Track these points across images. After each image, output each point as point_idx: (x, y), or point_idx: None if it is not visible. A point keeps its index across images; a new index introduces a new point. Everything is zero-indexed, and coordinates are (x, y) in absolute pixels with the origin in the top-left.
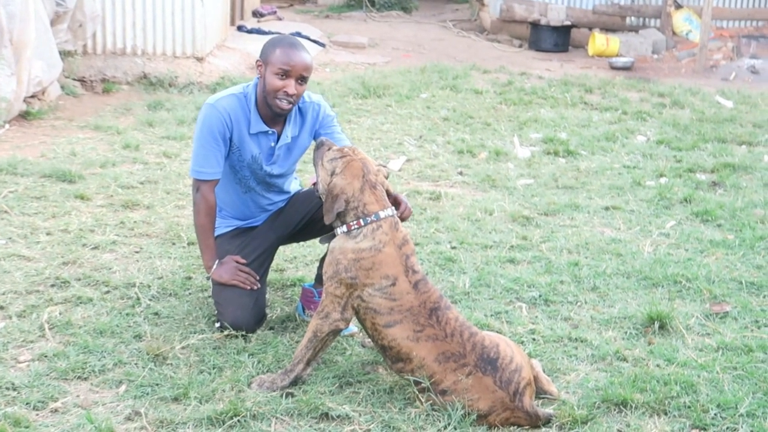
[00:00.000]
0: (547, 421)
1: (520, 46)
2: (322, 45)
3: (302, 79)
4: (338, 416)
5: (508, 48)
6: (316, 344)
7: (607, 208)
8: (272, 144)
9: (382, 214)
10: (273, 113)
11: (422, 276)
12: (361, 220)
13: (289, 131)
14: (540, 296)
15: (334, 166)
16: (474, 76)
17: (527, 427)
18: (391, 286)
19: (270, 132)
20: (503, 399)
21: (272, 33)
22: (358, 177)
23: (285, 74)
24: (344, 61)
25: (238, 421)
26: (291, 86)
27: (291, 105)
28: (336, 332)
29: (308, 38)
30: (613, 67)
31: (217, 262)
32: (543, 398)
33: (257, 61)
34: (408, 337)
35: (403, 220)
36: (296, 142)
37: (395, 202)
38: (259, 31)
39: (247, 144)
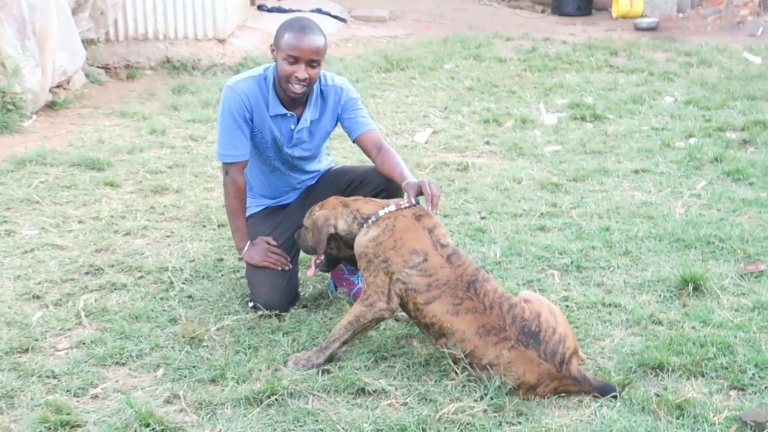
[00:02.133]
0: (608, 392)
1: (543, 11)
2: (343, 20)
3: (313, 62)
4: (375, 391)
5: (530, 14)
6: (357, 328)
7: (636, 172)
8: (292, 127)
9: (381, 213)
10: (289, 97)
11: (453, 249)
12: (363, 225)
13: (308, 115)
14: (572, 263)
15: (311, 210)
16: (497, 44)
17: (578, 392)
18: (423, 261)
19: (289, 115)
20: (549, 370)
21: (293, 11)
22: (335, 205)
23: (294, 59)
24: (366, 36)
25: (276, 399)
26: (301, 71)
27: (305, 89)
28: (380, 320)
29: (329, 14)
30: (638, 28)
31: (248, 243)
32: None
33: (271, 45)
34: (447, 311)
35: (433, 207)
36: (318, 126)
37: (420, 193)
38: (279, 10)
39: (267, 126)
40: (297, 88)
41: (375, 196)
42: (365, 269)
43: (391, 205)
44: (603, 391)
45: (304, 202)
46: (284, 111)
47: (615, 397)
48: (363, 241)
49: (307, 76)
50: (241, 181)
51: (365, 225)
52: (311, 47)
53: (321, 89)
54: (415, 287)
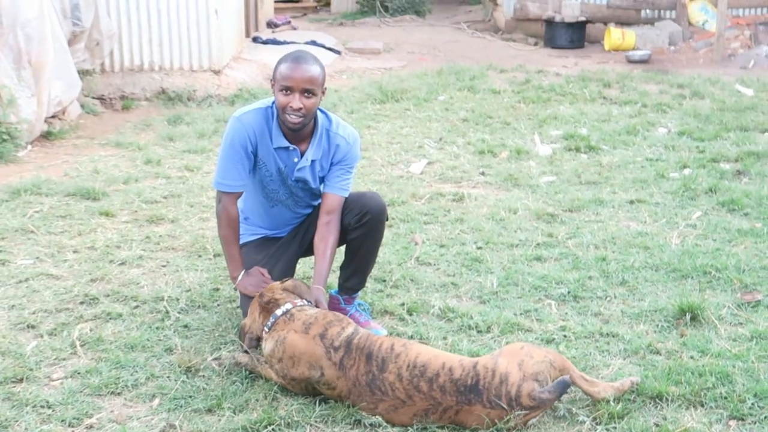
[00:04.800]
0: (565, 388)
1: (536, 44)
2: (338, 52)
3: (308, 92)
4: (371, 424)
5: (523, 47)
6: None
7: (631, 202)
8: (295, 160)
9: (271, 320)
10: (289, 129)
11: (345, 348)
12: (264, 330)
13: (310, 154)
14: (569, 293)
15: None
16: (491, 76)
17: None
18: (321, 376)
19: (291, 148)
20: (501, 414)
21: (287, 43)
22: (256, 309)
23: (288, 89)
24: (360, 67)
25: (273, 429)
26: (295, 101)
27: (302, 119)
28: None
29: (323, 46)
30: (631, 61)
31: (243, 272)
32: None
33: (270, 79)
34: (374, 412)
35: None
36: (318, 166)
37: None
38: (274, 42)
39: (271, 157)
40: (293, 119)
41: (359, 220)
42: (282, 377)
43: (287, 303)
44: (561, 392)
45: (297, 235)
46: (287, 144)
47: (566, 384)
48: (266, 353)
49: (301, 105)
50: (233, 211)
51: (265, 330)
52: (303, 77)
53: (328, 132)
54: (333, 396)
